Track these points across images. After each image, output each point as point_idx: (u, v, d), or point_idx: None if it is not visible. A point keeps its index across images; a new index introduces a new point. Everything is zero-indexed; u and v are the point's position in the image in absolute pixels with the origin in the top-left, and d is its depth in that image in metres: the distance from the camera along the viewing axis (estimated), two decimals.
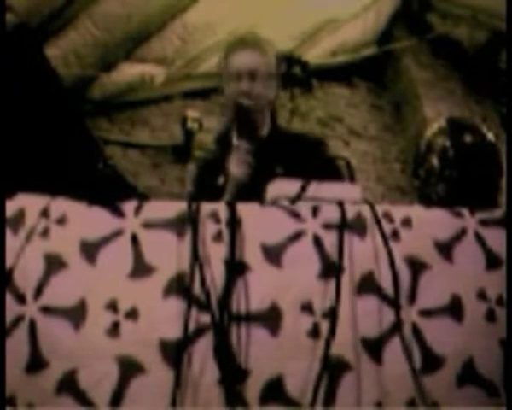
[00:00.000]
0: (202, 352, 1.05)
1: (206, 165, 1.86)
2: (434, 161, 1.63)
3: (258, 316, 1.08)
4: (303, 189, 1.22)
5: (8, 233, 1.11)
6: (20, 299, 1.06)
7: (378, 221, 1.17)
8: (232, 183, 1.64)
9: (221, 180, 1.72)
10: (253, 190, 1.42)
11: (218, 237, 1.13)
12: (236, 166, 1.62)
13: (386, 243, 1.15)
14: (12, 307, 1.05)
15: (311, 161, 1.66)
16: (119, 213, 1.14)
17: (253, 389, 1.04)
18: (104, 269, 1.09)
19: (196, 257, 1.09)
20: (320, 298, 1.11)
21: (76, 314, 1.05)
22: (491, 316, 1.14)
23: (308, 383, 1.05)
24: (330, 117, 5.17)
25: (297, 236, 1.14)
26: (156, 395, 1.02)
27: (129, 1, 3.91)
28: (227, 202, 1.17)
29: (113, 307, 1.06)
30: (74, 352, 1.04)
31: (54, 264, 1.09)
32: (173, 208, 1.15)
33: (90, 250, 1.10)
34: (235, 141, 1.77)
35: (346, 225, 1.16)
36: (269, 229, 1.15)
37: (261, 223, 1.16)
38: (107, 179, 1.21)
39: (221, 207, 1.16)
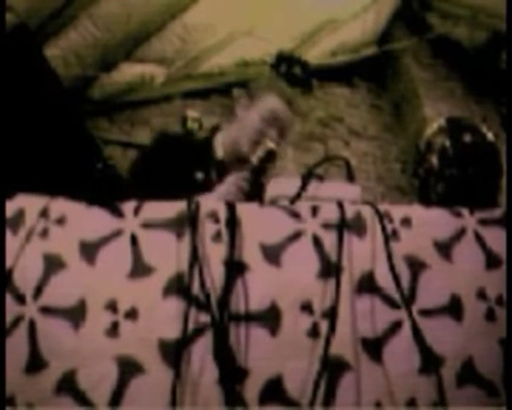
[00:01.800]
0: (202, 352, 1.05)
1: (176, 148, 1.89)
2: (434, 160, 1.63)
3: (257, 316, 1.08)
4: (302, 188, 1.22)
5: (8, 233, 1.11)
6: (20, 299, 1.06)
7: (381, 219, 1.17)
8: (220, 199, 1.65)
9: (199, 176, 1.77)
10: None
11: (217, 237, 1.13)
12: (233, 187, 1.65)
13: (386, 242, 1.15)
14: (12, 308, 1.05)
15: None
16: (119, 214, 1.14)
17: (252, 388, 1.04)
18: (103, 269, 1.09)
19: (196, 257, 1.09)
20: (319, 298, 1.11)
21: (75, 314, 1.05)
22: (490, 316, 1.14)
23: (307, 383, 1.05)
24: (330, 117, 5.18)
25: (296, 235, 1.14)
26: (156, 394, 1.02)
27: (129, 1, 3.91)
28: (226, 201, 1.17)
29: (112, 307, 1.06)
30: (74, 352, 1.04)
31: (53, 264, 1.09)
32: (173, 208, 1.15)
33: (90, 250, 1.10)
34: (221, 154, 1.84)
35: (345, 225, 1.16)
36: (268, 229, 1.15)
37: (260, 223, 1.16)
38: (107, 179, 1.21)
39: (220, 208, 1.16)
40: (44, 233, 1.12)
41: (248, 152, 1.79)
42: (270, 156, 1.72)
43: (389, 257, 1.14)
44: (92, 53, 4.07)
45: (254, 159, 1.71)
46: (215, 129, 1.98)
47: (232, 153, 1.88)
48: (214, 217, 1.15)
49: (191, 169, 1.80)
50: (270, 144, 1.73)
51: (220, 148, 1.90)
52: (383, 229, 1.17)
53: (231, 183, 1.67)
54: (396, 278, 1.13)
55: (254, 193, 1.74)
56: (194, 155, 1.88)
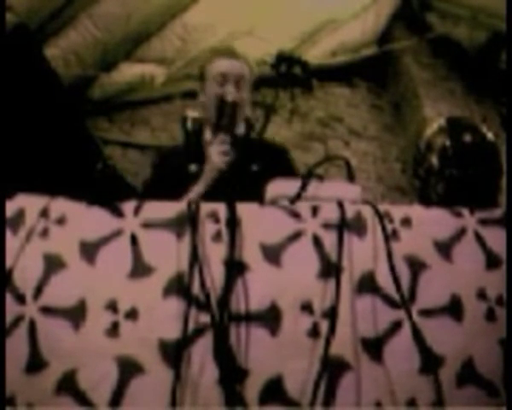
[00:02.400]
0: (202, 352, 1.05)
1: (172, 153, 2.05)
2: (434, 160, 1.63)
3: (257, 316, 1.08)
4: (302, 188, 1.22)
5: (8, 233, 1.11)
6: (20, 299, 1.06)
7: (381, 219, 1.17)
8: (211, 170, 1.75)
9: (193, 168, 1.85)
10: (230, 181, 1.69)
11: (217, 236, 1.13)
12: (217, 155, 1.74)
13: (387, 241, 1.15)
14: (12, 307, 1.06)
15: (277, 165, 1.85)
16: (119, 214, 1.14)
17: (252, 388, 1.04)
18: (104, 269, 1.09)
19: (196, 257, 1.09)
20: (320, 298, 1.11)
21: (76, 314, 1.05)
22: (490, 316, 1.14)
23: (308, 383, 1.05)
24: (330, 117, 5.17)
25: (296, 235, 1.14)
26: (156, 395, 1.02)
27: (129, 1, 3.91)
28: (226, 201, 1.17)
29: (112, 307, 1.06)
30: (74, 352, 1.04)
31: (53, 264, 1.09)
32: (173, 208, 1.15)
33: (90, 250, 1.10)
34: (208, 136, 1.95)
35: (345, 225, 1.16)
36: (268, 229, 1.15)
37: (261, 223, 1.16)
38: (107, 179, 1.21)
39: (220, 207, 1.16)
40: (44, 233, 1.12)
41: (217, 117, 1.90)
42: (228, 107, 1.82)
43: (389, 257, 1.14)
44: (92, 53, 4.07)
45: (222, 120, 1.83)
46: (201, 123, 2.10)
47: (209, 129, 1.98)
48: (214, 217, 1.15)
49: (185, 163, 1.89)
50: (225, 98, 1.85)
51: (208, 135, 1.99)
52: (383, 229, 1.17)
53: (214, 154, 1.75)
54: (396, 278, 1.13)
55: (245, 142, 1.89)
56: (186, 150, 2.02)
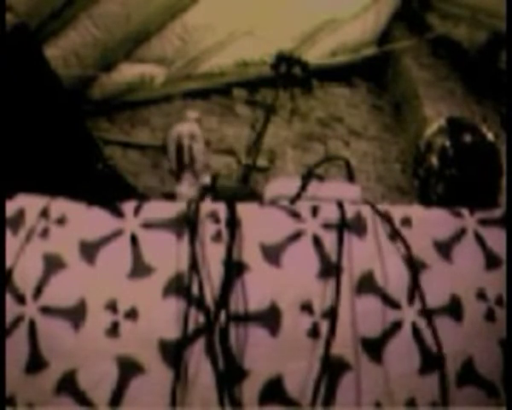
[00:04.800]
0: (201, 352, 1.05)
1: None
2: (434, 160, 1.63)
3: (257, 316, 1.08)
4: (302, 188, 1.22)
5: (8, 233, 1.11)
6: (20, 299, 1.06)
7: (383, 217, 1.17)
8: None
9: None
10: None
11: (217, 237, 1.13)
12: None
13: (392, 237, 1.15)
14: (12, 308, 1.05)
15: None
16: (119, 214, 1.14)
17: (252, 389, 1.04)
18: (104, 269, 1.09)
19: (195, 257, 1.09)
20: (320, 298, 1.10)
21: (75, 314, 1.05)
22: (490, 316, 1.14)
23: (308, 383, 1.05)
24: (330, 117, 5.17)
25: (296, 236, 1.14)
26: (156, 394, 1.02)
27: (129, 1, 3.91)
28: (227, 202, 1.17)
29: (112, 307, 1.06)
30: (74, 352, 1.04)
31: (53, 264, 1.09)
32: (173, 209, 1.15)
33: (90, 250, 1.10)
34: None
35: (345, 225, 1.16)
36: (268, 229, 1.15)
37: (260, 223, 1.16)
38: (107, 179, 1.21)
39: (220, 208, 1.16)
40: (44, 233, 1.12)
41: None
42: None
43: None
44: (92, 53, 4.07)
45: None
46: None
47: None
48: (214, 217, 1.15)
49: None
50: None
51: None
52: (386, 228, 1.17)
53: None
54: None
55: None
56: None
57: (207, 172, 2.47)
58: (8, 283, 1.06)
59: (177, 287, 1.08)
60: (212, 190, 1.86)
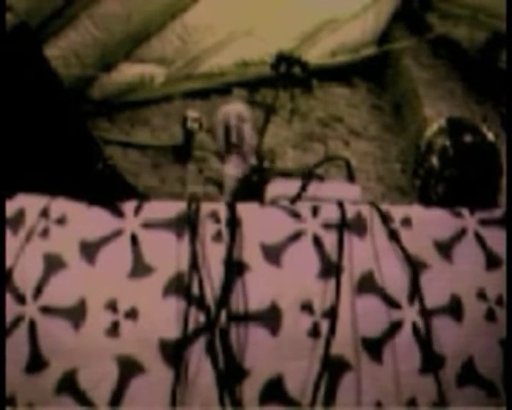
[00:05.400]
0: (201, 352, 1.05)
1: None
2: (434, 160, 1.63)
3: (257, 316, 1.08)
4: (303, 188, 1.22)
5: (8, 233, 1.11)
6: (20, 299, 1.06)
7: (383, 217, 1.17)
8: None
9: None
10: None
11: (217, 237, 1.13)
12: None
13: (391, 238, 1.15)
14: (12, 307, 1.05)
15: None
16: (119, 214, 1.14)
17: (252, 388, 1.04)
18: (104, 269, 1.09)
19: (196, 257, 1.09)
20: (320, 298, 1.10)
21: (76, 314, 1.05)
22: (490, 316, 1.14)
23: (308, 383, 1.05)
24: (330, 117, 5.17)
25: (297, 236, 1.14)
26: (156, 394, 1.02)
27: (129, 1, 3.91)
28: (227, 202, 1.17)
29: (112, 306, 1.06)
30: (74, 352, 1.04)
31: (53, 264, 1.09)
32: (173, 209, 1.15)
33: (90, 250, 1.10)
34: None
35: (345, 225, 1.16)
36: (269, 229, 1.15)
37: (261, 223, 1.16)
38: (107, 179, 1.21)
39: (221, 208, 1.16)
40: (45, 233, 1.12)
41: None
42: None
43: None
44: (92, 53, 4.07)
45: None
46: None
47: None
48: (215, 217, 1.15)
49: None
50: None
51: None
52: (385, 228, 1.17)
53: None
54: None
55: None
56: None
57: (254, 154, 2.40)
58: (8, 283, 1.06)
59: (178, 287, 1.08)
60: (260, 171, 1.92)
